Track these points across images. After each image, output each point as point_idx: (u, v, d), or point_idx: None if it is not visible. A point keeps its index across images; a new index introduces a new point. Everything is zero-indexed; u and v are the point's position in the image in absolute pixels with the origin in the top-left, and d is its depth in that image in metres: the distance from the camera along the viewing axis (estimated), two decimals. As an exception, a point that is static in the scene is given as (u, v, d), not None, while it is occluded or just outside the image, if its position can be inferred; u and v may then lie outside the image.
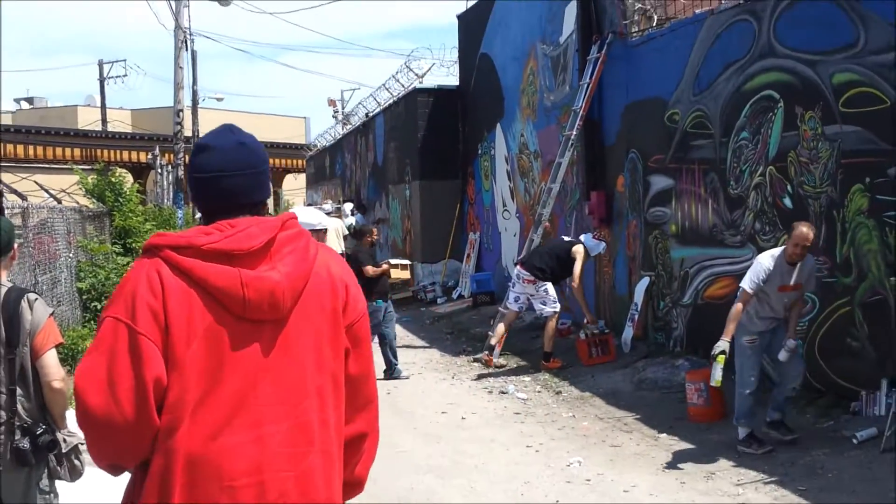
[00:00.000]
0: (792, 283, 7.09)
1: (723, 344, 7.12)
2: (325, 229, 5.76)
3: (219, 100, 42.11)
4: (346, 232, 19.75)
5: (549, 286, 11.20)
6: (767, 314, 7.25)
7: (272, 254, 2.25)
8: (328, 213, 20.24)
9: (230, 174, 2.31)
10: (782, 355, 7.18)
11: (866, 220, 7.59)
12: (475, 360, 12.05)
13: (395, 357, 11.28)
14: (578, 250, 11.11)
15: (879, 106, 7.41)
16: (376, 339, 11.34)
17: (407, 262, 12.62)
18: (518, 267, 11.42)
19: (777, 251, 7.18)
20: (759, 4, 8.96)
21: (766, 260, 7.14)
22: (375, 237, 12.04)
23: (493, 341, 11.41)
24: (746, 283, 7.16)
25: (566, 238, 11.66)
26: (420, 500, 6.70)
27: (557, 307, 11.28)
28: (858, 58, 7.64)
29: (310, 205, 32.25)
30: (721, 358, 7.06)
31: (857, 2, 7.63)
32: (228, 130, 2.40)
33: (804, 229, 6.98)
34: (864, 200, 7.61)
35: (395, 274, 11.74)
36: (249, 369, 2.19)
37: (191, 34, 25.48)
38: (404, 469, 7.42)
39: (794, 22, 8.48)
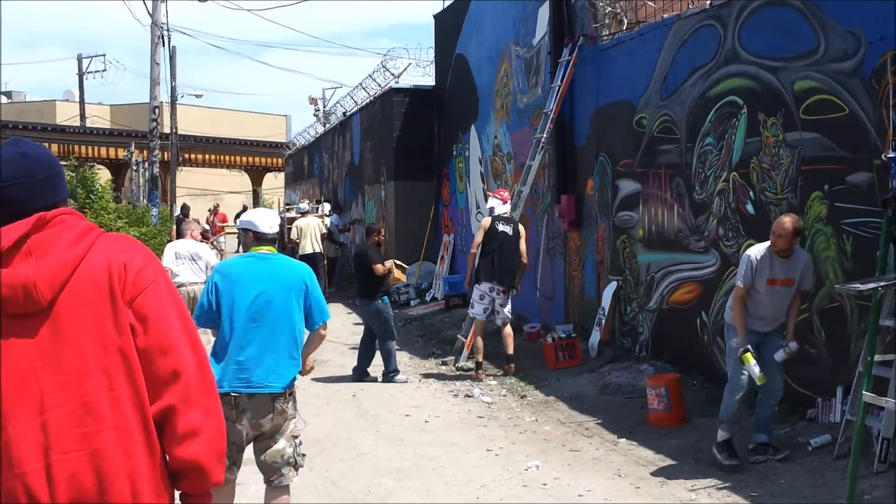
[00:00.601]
0: (781, 277, 6.90)
1: (742, 343, 6.88)
2: (276, 237, 5.72)
3: (198, 96, 41.91)
4: (324, 231, 19.55)
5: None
6: (760, 313, 7.01)
7: (31, 249, 2.39)
8: (304, 212, 20.10)
9: (10, 184, 2.45)
10: (779, 355, 6.91)
11: (825, 227, 7.63)
12: (443, 363, 12.05)
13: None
14: (523, 232, 11.41)
15: (838, 113, 7.45)
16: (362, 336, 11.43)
17: (405, 265, 12.58)
18: (492, 283, 11.11)
19: (765, 244, 6.97)
20: (724, 10, 9.00)
21: (752, 252, 6.97)
22: (382, 236, 11.97)
23: (479, 357, 11.11)
24: (737, 279, 7.04)
25: (500, 227, 11.19)
26: (375, 501, 6.69)
27: None
28: (819, 65, 7.67)
29: (288, 205, 32.13)
30: (747, 356, 6.75)
31: (818, 9, 7.66)
32: (12, 143, 2.54)
33: (784, 218, 6.82)
34: (823, 207, 7.65)
35: (396, 274, 11.76)
36: (24, 361, 2.36)
37: (168, 30, 25.35)
38: (363, 471, 7.41)
39: (758, 28, 8.52)
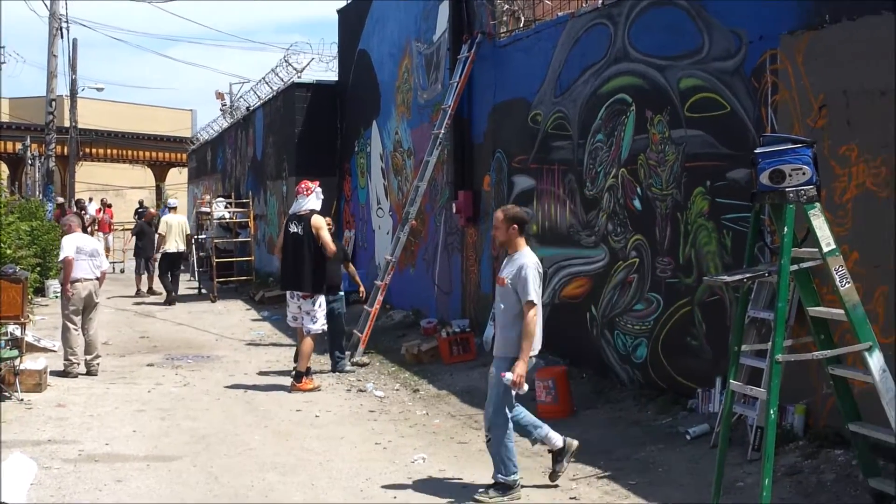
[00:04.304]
0: (502, 275, 6.67)
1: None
2: None
3: (99, 90, 40.90)
4: (188, 231, 19.53)
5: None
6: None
7: None
8: (173, 208, 19.97)
9: None
10: (508, 376, 6.40)
11: (706, 223, 7.81)
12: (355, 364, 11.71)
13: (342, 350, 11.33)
14: (318, 223, 10.35)
15: (720, 111, 7.64)
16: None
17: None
18: (289, 290, 10.51)
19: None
20: (615, 9, 9.13)
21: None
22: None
23: (301, 367, 10.24)
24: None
25: (292, 228, 10.35)
26: (257, 498, 6.58)
27: None
28: (703, 64, 7.85)
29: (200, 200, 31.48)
30: None
31: (703, 9, 7.84)
32: None
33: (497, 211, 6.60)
34: (705, 203, 7.83)
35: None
36: None
37: (66, 22, 24.70)
38: (248, 467, 7.30)
39: (647, 27, 8.67)
